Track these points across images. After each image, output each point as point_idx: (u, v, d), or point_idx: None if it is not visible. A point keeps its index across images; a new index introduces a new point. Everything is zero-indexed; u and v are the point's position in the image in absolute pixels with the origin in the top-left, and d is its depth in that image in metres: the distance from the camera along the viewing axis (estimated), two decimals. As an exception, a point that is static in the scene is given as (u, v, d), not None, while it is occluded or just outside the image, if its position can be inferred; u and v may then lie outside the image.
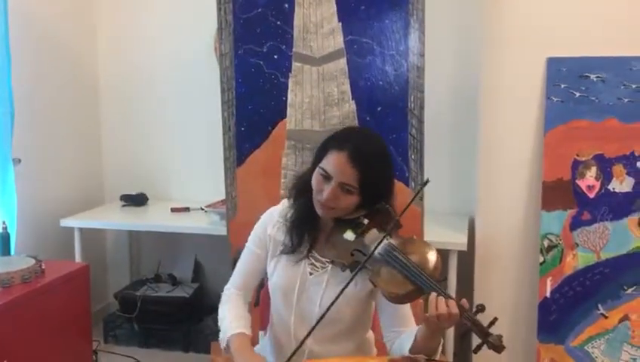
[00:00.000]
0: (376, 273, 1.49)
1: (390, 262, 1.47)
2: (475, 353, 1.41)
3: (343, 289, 1.47)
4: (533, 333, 2.60)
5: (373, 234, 1.53)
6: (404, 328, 1.58)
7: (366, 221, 1.55)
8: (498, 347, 1.36)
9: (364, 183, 1.50)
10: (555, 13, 2.53)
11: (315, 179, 1.55)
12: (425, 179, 1.60)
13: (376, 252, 1.49)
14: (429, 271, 1.43)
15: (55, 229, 3.16)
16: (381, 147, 1.59)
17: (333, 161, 1.51)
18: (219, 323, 1.69)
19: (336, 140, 1.55)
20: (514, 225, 2.66)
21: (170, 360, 3.25)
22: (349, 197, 1.52)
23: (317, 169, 1.55)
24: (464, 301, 1.40)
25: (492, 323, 1.39)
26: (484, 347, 1.39)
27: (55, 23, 3.33)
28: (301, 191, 1.62)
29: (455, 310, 1.36)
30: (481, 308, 1.39)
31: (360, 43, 2.41)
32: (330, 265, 1.60)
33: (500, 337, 1.37)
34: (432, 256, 1.46)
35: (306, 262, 1.64)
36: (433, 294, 1.39)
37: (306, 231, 1.62)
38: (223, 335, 1.63)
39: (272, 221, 1.71)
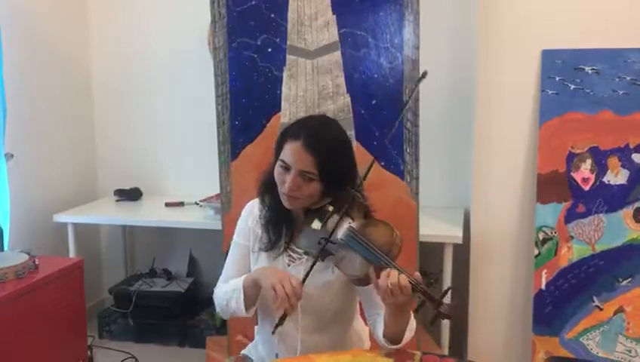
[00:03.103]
0: (340, 258, 1.52)
1: (350, 245, 1.50)
2: (432, 324, 1.45)
3: (306, 276, 1.52)
4: (529, 326, 2.60)
5: (335, 220, 1.55)
6: (381, 310, 1.58)
7: (331, 208, 1.57)
8: (450, 316, 1.39)
9: (322, 168, 1.52)
10: (550, 6, 2.52)
11: (277, 172, 1.57)
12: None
13: (338, 237, 1.52)
14: (386, 249, 1.45)
15: (48, 224, 3.14)
16: (336, 132, 1.61)
17: (289, 151, 1.54)
18: (225, 306, 1.65)
19: (291, 130, 1.58)
20: (509, 217, 2.67)
21: (166, 354, 3.24)
22: (311, 185, 1.53)
23: (277, 162, 1.57)
24: (417, 274, 1.42)
25: (445, 293, 1.42)
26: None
27: (47, 17, 3.30)
28: (268, 188, 1.64)
29: (405, 281, 1.38)
30: (435, 280, 1.44)
31: (354, 36, 2.40)
32: (306, 256, 1.62)
33: (452, 306, 1.40)
34: (389, 235, 1.48)
35: (284, 255, 1.66)
36: (385, 270, 1.41)
37: (283, 227, 1.64)
38: (238, 293, 1.59)
39: (252, 214, 1.73)
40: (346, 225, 1.54)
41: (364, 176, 1.58)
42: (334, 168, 1.54)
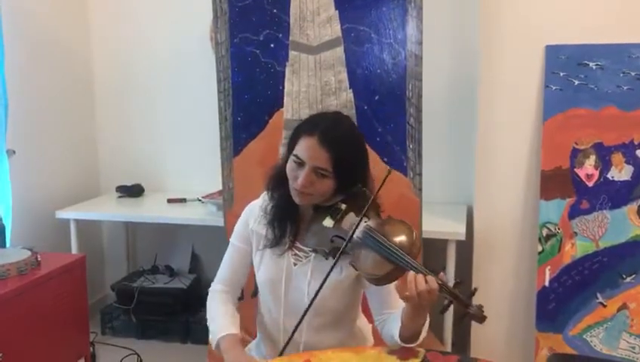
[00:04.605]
0: (356, 257, 1.49)
1: (368, 244, 1.48)
2: (457, 325, 1.42)
3: (327, 276, 1.49)
4: (532, 322, 2.60)
5: (351, 218, 1.53)
6: (392, 310, 1.57)
7: (343, 206, 1.55)
8: (479, 317, 1.36)
9: (337, 165, 1.50)
10: (553, 1, 2.51)
11: (290, 167, 1.55)
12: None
13: (354, 236, 1.50)
14: (407, 248, 1.42)
15: (51, 221, 3.14)
16: (351, 129, 1.60)
17: (304, 147, 1.52)
18: (208, 323, 1.72)
19: (306, 126, 1.56)
20: (512, 214, 2.66)
21: (168, 351, 3.24)
22: (325, 182, 1.52)
23: (290, 157, 1.55)
24: (442, 275, 1.39)
25: (472, 294, 1.39)
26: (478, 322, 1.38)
27: (48, 16, 3.30)
28: (278, 182, 1.62)
29: (434, 285, 1.36)
30: (460, 282, 1.40)
31: (357, 31, 2.39)
32: (314, 254, 1.61)
33: (480, 307, 1.36)
34: (409, 234, 1.46)
35: (289, 254, 1.64)
36: (411, 272, 1.39)
37: (288, 223, 1.63)
38: (213, 336, 1.66)
39: (253, 215, 1.71)
40: (362, 223, 1.51)
41: (379, 186, 1.54)
42: (349, 165, 1.52)
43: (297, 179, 1.52)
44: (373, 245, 1.46)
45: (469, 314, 1.36)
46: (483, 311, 1.36)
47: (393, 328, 1.53)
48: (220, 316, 1.70)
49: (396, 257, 1.41)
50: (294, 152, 1.54)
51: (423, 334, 1.51)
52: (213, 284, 1.80)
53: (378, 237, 1.46)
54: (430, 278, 1.36)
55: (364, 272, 1.48)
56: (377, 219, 1.54)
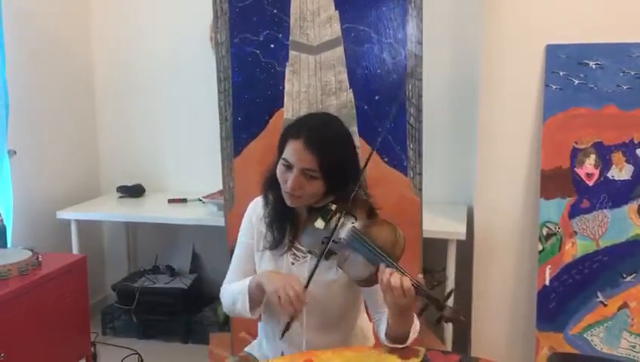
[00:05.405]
0: (343, 258, 1.51)
1: (353, 245, 1.49)
2: (436, 326, 1.43)
3: (310, 276, 1.51)
4: (532, 322, 2.60)
5: (338, 219, 1.54)
6: (385, 309, 1.57)
7: (334, 207, 1.57)
8: (453, 320, 1.37)
9: (324, 166, 1.51)
10: (554, 1, 2.51)
11: (279, 171, 1.57)
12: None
13: (341, 237, 1.52)
14: (388, 250, 1.44)
15: (51, 221, 3.14)
16: (338, 129, 1.61)
17: (291, 149, 1.53)
18: (231, 306, 1.68)
19: (292, 129, 1.57)
20: (513, 213, 2.66)
21: (169, 351, 3.25)
22: (314, 183, 1.53)
23: (280, 160, 1.57)
24: (420, 276, 1.41)
25: (448, 296, 1.40)
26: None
27: (49, 16, 3.30)
28: (271, 186, 1.63)
29: (408, 284, 1.37)
30: (438, 283, 1.41)
31: (357, 31, 2.39)
32: (310, 255, 1.61)
33: (457, 310, 1.37)
34: (392, 236, 1.47)
35: (288, 254, 1.65)
36: (387, 270, 1.40)
37: (287, 225, 1.64)
38: (243, 297, 1.61)
39: (255, 212, 1.72)
40: (350, 224, 1.53)
41: (363, 166, 1.58)
42: (336, 166, 1.53)
43: (287, 182, 1.54)
44: (357, 247, 1.48)
45: (444, 317, 1.37)
46: (460, 315, 1.37)
47: (381, 328, 1.55)
48: (237, 283, 1.68)
49: (378, 259, 1.43)
50: (283, 156, 1.56)
51: (412, 336, 1.52)
52: (224, 283, 1.78)
53: (361, 239, 1.48)
54: (405, 278, 1.37)
55: (350, 274, 1.50)
56: (365, 219, 1.55)
